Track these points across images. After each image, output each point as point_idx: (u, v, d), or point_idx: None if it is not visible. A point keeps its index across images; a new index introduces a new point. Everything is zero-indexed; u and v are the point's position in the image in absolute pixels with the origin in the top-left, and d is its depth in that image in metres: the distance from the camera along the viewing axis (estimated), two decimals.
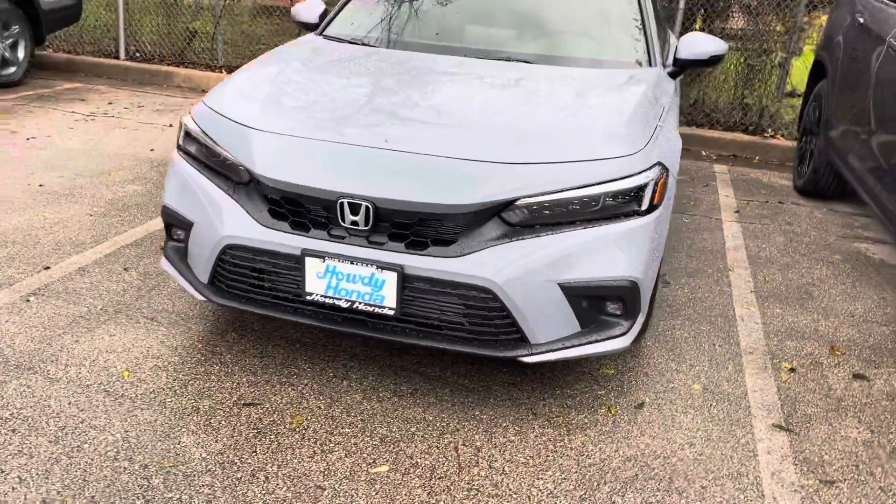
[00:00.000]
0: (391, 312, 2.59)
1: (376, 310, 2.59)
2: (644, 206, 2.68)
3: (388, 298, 2.57)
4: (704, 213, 5.07)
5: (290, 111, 2.85)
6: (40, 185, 4.71)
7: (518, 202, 2.54)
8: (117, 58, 8.66)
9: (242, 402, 2.71)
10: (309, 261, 2.59)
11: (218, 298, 2.81)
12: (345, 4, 4.06)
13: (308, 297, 2.64)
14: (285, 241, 2.62)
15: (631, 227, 2.65)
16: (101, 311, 3.26)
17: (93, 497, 2.21)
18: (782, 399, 2.97)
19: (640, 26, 3.75)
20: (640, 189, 2.67)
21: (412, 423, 2.66)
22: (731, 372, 3.13)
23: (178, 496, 2.24)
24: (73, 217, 4.26)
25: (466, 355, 2.54)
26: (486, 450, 2.56)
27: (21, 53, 7.38)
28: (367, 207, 2.52)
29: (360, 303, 2.60)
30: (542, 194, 2.55)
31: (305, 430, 2.58)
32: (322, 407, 2.71)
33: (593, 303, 2.68)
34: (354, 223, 2.55)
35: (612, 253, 2.62)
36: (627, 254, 2.64)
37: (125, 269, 3.66)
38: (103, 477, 2.29)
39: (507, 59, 3.46)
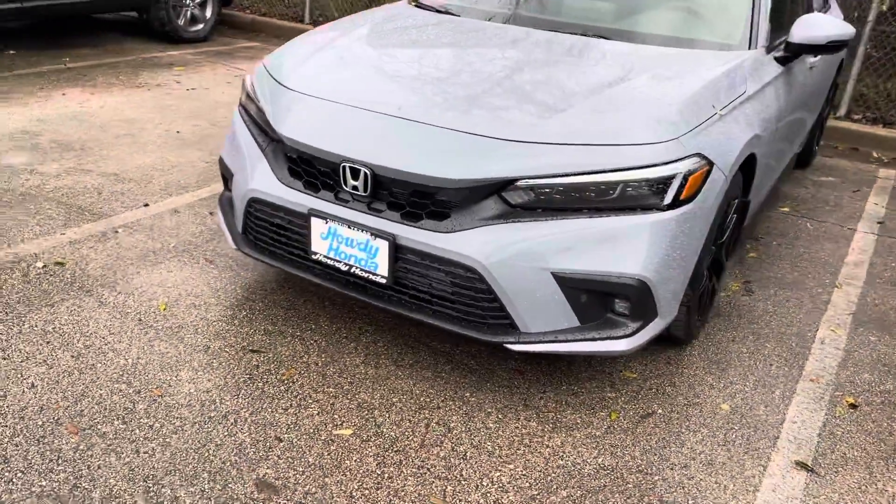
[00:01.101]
0: (384, 281, 2.58)
1: (370, 276, 2.60)
2: (667, 201, 2.45)
3: (381, 266, 2.56)
4: (838, 220, 4.50)
5: (324, 74, 2.90)
6: (178, 132, 5.17)
7: (519, 182, 2.41)
8: (301, 21, 9.20)
9: (250, 348, 2.84)
10: (314, 221, 2.65)
11: (245, 248, 2.95)
12: None
13: (313, 257, 2.70)
14: (297, 199, 2.69)
15: (647, 222, 2.43)
16: (172, 248, 3.54)
17: (82, 411, 2.44)
18: (823, 436, 2.61)
19: (751, 3, 3.36)
20: (666, 181, 2.44)
21: (396, 394, 2.65)
22: (776, 397, 2.79)
23: (151, 423, 2.41)
24: (190, 162, 4.64)
25: (455, 335, 2.48)
26: (457, 432, 2.49)
27: (209, 12, 8.07)
28: (365, 173, 2.52)
29: (357, 267, 2.62)
30: (547, 176, 2.41)
31: (293, 383, 2.66)
32: (319, 364, 2.78)
33: (596, 298, 2.50)
34: (356, 188, 2.56)
35: (620, 247, 2.43)
36: (638, 250, 2.43)
37: (210, 214, 3.94)
38: (98, 395, 2.52)
39: (583, 34, 3.26)
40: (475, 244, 2.41)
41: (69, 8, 6.81)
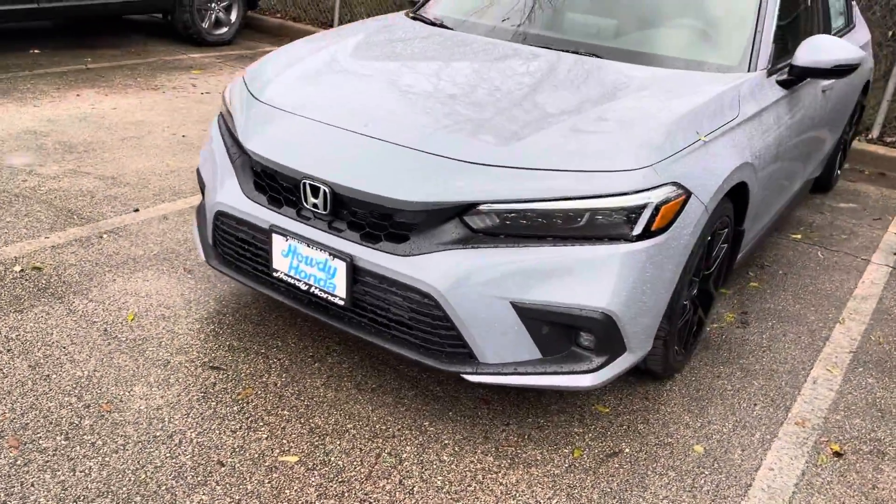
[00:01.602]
0: (342, 303, 2.49)
1: (329, 297, 2.52)
2: (637, 231, 2.32)
3: (338, 288, 2.48)
4: (852, 250, 4.30)
5: (297, 87, 2.82)
6: (183, 136, 5.16)
7: (481, 207, 2.31)
8: (330, 27, 9.19)
9: (211, 364, 2.77)
10: (276, 237, 2.57)
11: (213, 262, 2.89)
12: None
13: (274, 274, 2.63)
14: (260, 214, 2.62)
15: (615, 253, 2.31)
16: (154, 256, 3.50)
17: (27, 424, 2.40)
18: (800, 486, 2.45)
19: (754, 23, 3.21)
20: (636, 210, 2.31)
21: (352, 420, 2.56)
22: (756, 441, 2.64)
23: (93, 440, 2.36)
24: (190, 167, 4.61)
25: (413, 362, 2.38)
26: (408, 464, 2.39)
27: (234, 16, 8.10)
28: (325, 192, 2.43)
29: (316, 287, 2.54)
30: (510, 201, 2.30)
31: (247, 403, 2.59)
32: (278, 385, 2.70)
33: (559, 330, 2.38)
34: (316, 206, 2.48)
35: (585, 278, 2.30)
36: (604, 282, 2.31)
37: None
38: (47, 408, 2.48)
39: (575, 52, 3.14)
40: (432, 269, 2.31)
41: (86, 10, 6.88)
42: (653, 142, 2.42)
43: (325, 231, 2.48)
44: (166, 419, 2.48)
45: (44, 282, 3.20)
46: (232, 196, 2.71)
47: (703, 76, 2.93)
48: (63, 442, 2.34)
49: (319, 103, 2.67)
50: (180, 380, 2.67)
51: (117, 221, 3.82)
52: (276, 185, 2.60)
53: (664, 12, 3.34)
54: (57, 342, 2.81)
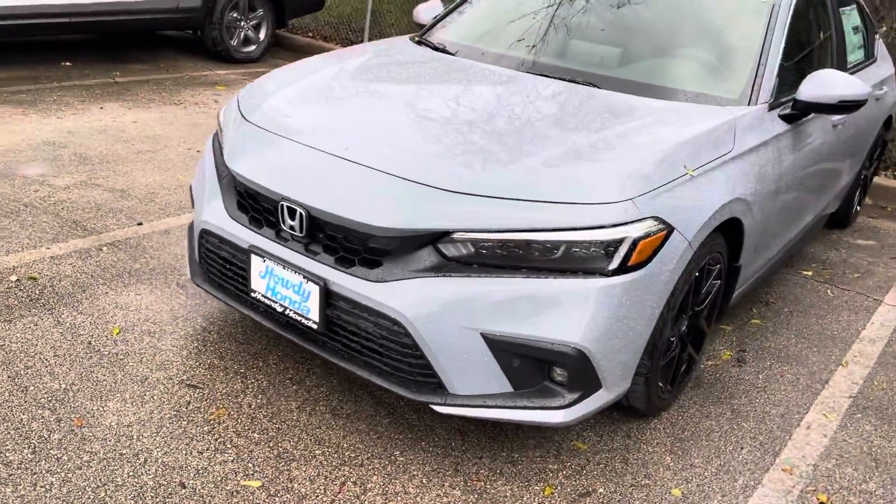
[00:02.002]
0: (315, 326, 2.47)
1: (303, 320, 2.50)
2: (613, 265, 2.27)
3: (312, 311, 2.46)
4: (864, 289, 4.16)
5: (285, 108, 2.83)
6: (198, 151, 5.22)
7: (455, 235, 2.28)
8: None
9: (188, 382, 2.77)
10: (254, 258, 2.57)
11: (197, 280, 2.90)
12: (449, 12, 3.93)
13: (252, 295, 2.62)
14: (240, 234, 2.62)
15: (590, 287, 2.26)
16: (149, 270, 3.53)
17: None
18: None
19: (756, 57, 3.14)
20: (614, 244, 2.26)
21: (322, 446, 2.53)
22: (738, 487, 2.54)
23: (59, 455, 2.36)
24: None
25: (384, 390, 2.33)
26: (372, 494, 2.35)
27: (262, 34, 8.22)
28: (301, 214, 2.42)
29: (291, 310, 2.52)
30: (483, 231, 2.26)
31: (219, 424, 2.58)
32: (252, 406, 2.69)
33: (531, 363, 2.33)
34: (293, 228, 2.47)
35: (558, 312, 2.26)
36: (577, 317, 2.25)
37: None
38: (19, 420, 2.49)
39: (573, 80, 3.10)
40: (402, 296, 2.28)
41: (117, 25, 7.03)
42: (634, 175, 2.37)
43: (302, 254, 2.47)
44: (135, 437, 2.47)
45: (37, 292, 3.23)
46: (216, 215, 2.72)
47: (699, 109, 2.87)
48: (29, 455, 2.34)
49: (303, 126, 2.67)
50: (155, 397, 2.67)
51: (119, 234, 3.86)
52: (257, 205, 2.60)
53: (667, 44, 3.29)
54: (40, 354, 2.83)
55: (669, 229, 2.37)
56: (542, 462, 2.57)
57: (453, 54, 3.45)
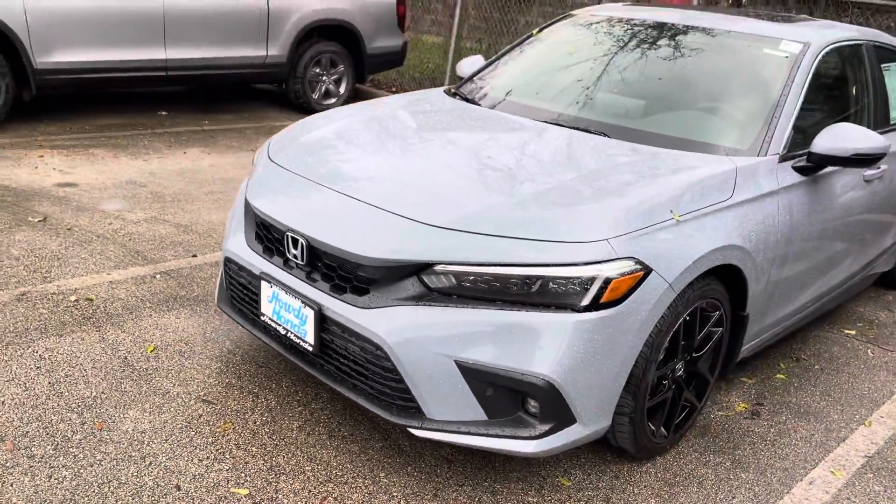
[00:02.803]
0: (310, 349, 2.65)
1: (301, 343, 2.69)
2: (585, 302, 2.36)
3: (308, 334, 2.64)
4: None
5: (304, 149, 3.07)
6: None
7: (437, 267, 2.43)
8: None
9: (204, 398, 3.00)
10: (263, 284, 2.79)
11: (221, 304, 3.15)
12: (485, 67, 4.13)
13: (261, 318, 2.84)
14: (254, 262, 2.85)
15: (560, 321, 2.35)
16: (193, 297, 3.82)
17: (27, 432, 2.69)
18: None
19: (771, 108, 3.18)
20: (586, 282, 2.35)
21: (313, 463, 2.68)
22: None
23: (77, 452, 2.61)
24: None
25: (370, 413, 2.46)
26: None
27: (343, 88, 8.70)
28: (302, 244, 2.63)
29: (291, 332, 2.72)
30: (461, 264, 2.40)
31: (223, 436, 2.78)
32: (258, 423, 2.88)
33: (504, 393, 2.42)
34: (296, 256, 2.68)
35: (529, 343, 2.36)
36: (546, 349, 2.35)
37: None
38: (49, 420, 2.77)
39: (585, 130, 3.22)
40: (384, 322, 2.44)
41: (208, 78, 7.63)
42: (613, 216, 2.46)
43: (303, 280, 2.67)
44: (146, 442, 2.70)
45: (90, 311, 3.57)
46: (238, 244, 2.97)
47: (698, 157, 2.93)
48: (51, 451, 2.60)
49: (316, 165, 2.90)
50: (172, 409, 2.90)
51: (174, 264, 4.20)
52: (270, 235, 2.83)
53: (683, 96, 3.37)
54: (80, 365, 3.13)
55: (647, 270, 2.44)
56: (522, 494, 2.63)
57: (479, 104, 3.64)
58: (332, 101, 8.63)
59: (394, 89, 10.20)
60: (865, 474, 2.92)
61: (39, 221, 4.58)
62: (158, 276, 4.04)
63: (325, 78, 8.51)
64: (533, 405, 2.43)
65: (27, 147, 6.07)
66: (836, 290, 3.82)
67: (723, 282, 2.86)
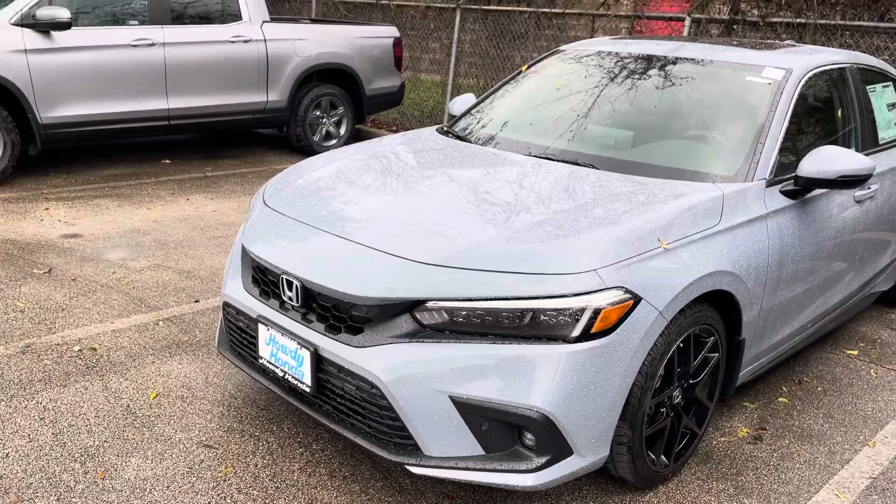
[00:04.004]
0: (308, 390, 2.68)
1: (298, 384, 2.71)
2: (576, 333, 2.38)
3: (305, 375, 2.67)
4: None
5: (297, 192, 3.13)
6: None
7: (429, 304, 2.46)
8: None
9: (205, 442, 3.01)
10: (260, 327, 2.83)
11: (221, 348, 3.18)
12: (476, 105, 4.21)
13: (259, 361, 2.87)
14: (251, 305, 2.89)
15: (553, 353, 2.38)
16: (195, 342, 3.86)
17: (31, 483, 2.72)
18: None
19: (755, 135, 3.23)
20: (576, 313, 2.38)
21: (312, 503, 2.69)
22: None
23: (80, 503, 2.62)
24: None
25: (369, 452, 2.48)
26: None
27: (343, 129, 8.82)
28: (297, 286, 2.67)
29: (289, 374, 2.74)
30: (453, 300, 2.44)
31: (224, 480, 2.79)
32: (259, 466, 2.89)
33: (500, 427, 2.44)
34: (291, 299, 2.72)
35: (522, 376, 2.38)
36: (539, 381, 2.37)
37: None
38: (53, 471, 2.79)
39: (574, 163, 3.27)
40: (379, 360, 2.47)
41: (209, 126, 7.76)
42: (601, 247, 2.49)
43: (299, 322, 2.70)
44: (147, 489, 2.72)
45: (94, 361, 3.61)
46: (235, 288, 3.02)
47: (686, 185, 2.97)
48: (54, 502, 2.62)
49: (309, 207, 2.95)
50: (174, 455, 2.92)
51: (177, 310, 4.25)
52: (265, 279, 2.88)
53: (669, 126, 3.42)
54: (83, 414, 3.16)
55: (636, 299, 2.47)
56: None
57: (470, 142, 3.71)
58: (334, 142, 8.74)
59: (395, 128, 10.34)
60: (870, 496, 2.90)
61: (44, 273, 4.64)
62: (161, 322, 4.08)
63: (325, 120, 8.64)
64: (529, 438, 2.44)
65: (33, 200, 6.18)
66: (835, 311, 3.83)
67: (716, 307, 2.88)
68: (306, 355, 2.63)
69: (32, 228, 5.47)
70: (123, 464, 2.86)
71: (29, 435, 3.00)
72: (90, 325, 3.99)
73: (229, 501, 2.68)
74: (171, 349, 3.78)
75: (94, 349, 3.72)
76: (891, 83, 4.39)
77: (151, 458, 2.90)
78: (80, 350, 3.71)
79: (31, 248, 5.07)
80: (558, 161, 3.28)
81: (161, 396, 3.33)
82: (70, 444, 2.96)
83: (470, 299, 2.42)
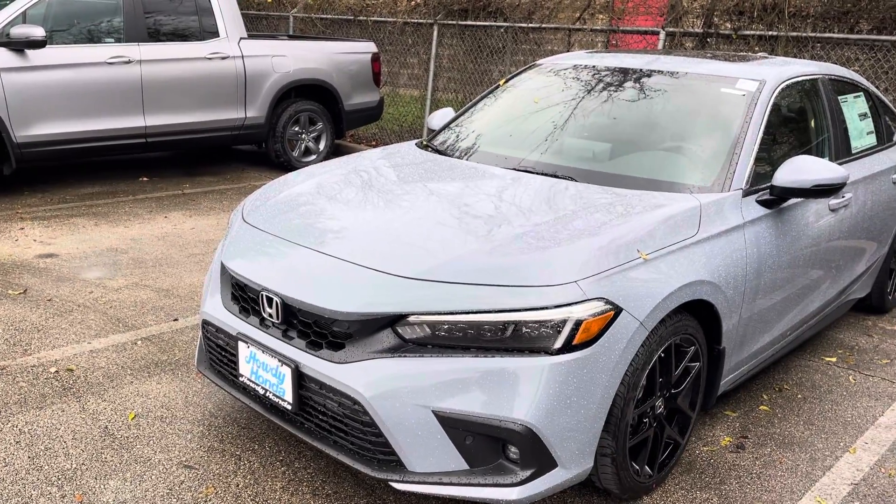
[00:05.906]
0: (289, 407, 2.65)
1: (280, 402, 2.69)
2: (558, 345, 2.38)
3: (286, 393, 2.65)
4: (890, 376, 4.03)
5: (276, 208, 3.11)
6: None
7: (410, 318, 2.45)
8: None
9: (185, 463, 2.97)
10: (241, 344, 2.80)
11: (201, 367, 3.15)
12: (454, 119, 4.22)
13: (240, 379, 2.84)
14: (231, 322, 2.87)
15: (535, 366, 2.37)
16: (174, 361, 3.82)
17: None
18: None
19: (731, 146, 3.26)
20: (557, 325, 2.38)
21: None
22: None
23: None
24: None
25: (352, 469, 2.45)
26: None
27: (322, 145, 8.81)
28: (277, 302, 2.65)
29: (270, 392, 2.72)
30: (435, 313, 2.43)
31: (205, 501, 2.75)
32: (240, 486, 2.85)
33: (484, 441, 2.43)
34: (271, 315, 2.70)
35: (504, 389, 2.37)
36: (522, 394, 2.37)
37: None
38: (29, 495, 2.74)
39: (553, 175, 3.28)
40: (360, 376, 2.45)
41: (186, 143, 7.73)
42: (581, 258, 2.50)
43: (279, 339, 2.68)
44: None
45: (71, 382, 3.56)
46: (215, 306, 2.99)
47: (664, 196, 2.99)
48: None
49: (288, 223, 2.94)
50: (153, 476, 2.88)
51: (155, 329, 4.20)
52: (245, 296, 2.86)
53: (647, 138, 3.46)
54: (60, 437, 3.11)
55: (617, 310, 2.47)
56: None
57: (449, 156, 3.71)
58: (313, 157, 8.73)
59: (374, 143, 10.34)
60: (852, 502, 2.92)
61: (20, 294, 4.58)
62: (139, 342, 4.03)
63: (304, 136, 8.62)
64: (513, 451, 2.44)
65: (8, 220, 6.10)
66: (814, 318, 3.86)
67: (696, 317, 2.89)
68: (287, 372, 2.61)
69: (7, 248, 5.40)
70: (102, 486, 2.81)
71: (4, 459, 2.94)
72: (67, 346, 3.93)
73: None
74: (150, 369, 3.73)
75: (71, 370, 3.67)
76: (862, 93, 4.46)
77: (130, 480, 2.85)
78: (56, 371, 3.65)
79: (6, 268, 5.00)
80: (537, 174, 3.30)
81: (140, 417, 3.29)
82: (47, 467, 2.91)
83: (452, 313, 2.42)
